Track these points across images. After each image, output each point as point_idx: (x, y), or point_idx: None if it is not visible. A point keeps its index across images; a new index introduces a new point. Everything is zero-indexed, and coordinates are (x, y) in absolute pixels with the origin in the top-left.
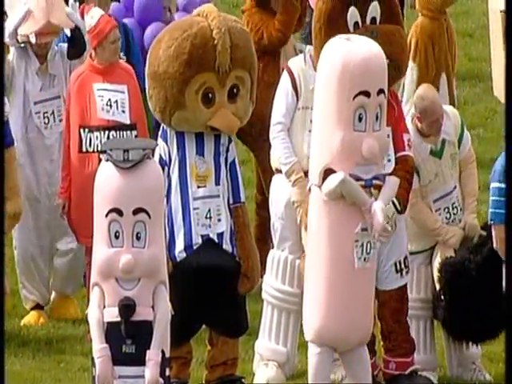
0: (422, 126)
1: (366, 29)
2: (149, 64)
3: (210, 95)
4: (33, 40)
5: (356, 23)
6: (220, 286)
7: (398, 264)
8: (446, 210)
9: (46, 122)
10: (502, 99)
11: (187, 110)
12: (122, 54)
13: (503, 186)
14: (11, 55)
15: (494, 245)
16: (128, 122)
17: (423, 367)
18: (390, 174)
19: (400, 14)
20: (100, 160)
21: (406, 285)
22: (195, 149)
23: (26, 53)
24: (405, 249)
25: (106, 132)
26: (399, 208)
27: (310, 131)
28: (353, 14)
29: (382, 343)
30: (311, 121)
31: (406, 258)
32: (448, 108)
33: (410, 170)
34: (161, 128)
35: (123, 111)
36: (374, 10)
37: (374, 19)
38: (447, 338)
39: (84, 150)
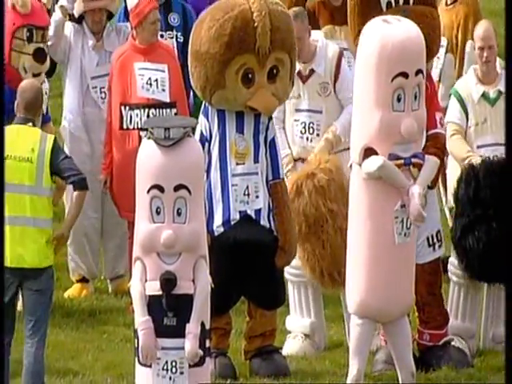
0: (480, 64)
1: (398, 9)
2: (191, 43)
3: (250, 76)
4: None
5: (389, 3)
6: (257, 259)
7: (430, 238)
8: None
9: (103, 96)
10: None
11: (227, 90)
12: (179, 33)
13: None
14: (68, 31)
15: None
16: (168, 100)
17: (460, 334)
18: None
19: None
20: (140, 137)
21: (439, 258)
22: (235, 126)
23: (83, 30)
24: (437, 223)
25: (146, 110)
26: (429, 184)
27: (295, 120)
28: None
29: (416, 314)
30: (296, 110)
31: (438, 231)
32: None
33: (440, 147)
34: (203, 105)
35: (163, 90)
36: None
37: (406, 0)
38: (487, 308)
39: (125, 127)
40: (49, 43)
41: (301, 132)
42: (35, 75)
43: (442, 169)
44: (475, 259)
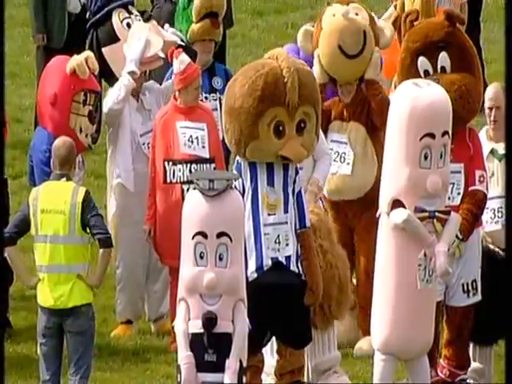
0: (489, 120)
1: (431, 78)
2: (225, 102)
3: (281, 128)
4: (162, 55)
5: (426, 71)
6: (287, 301)
7: (465, 285)
8: (492, 211)
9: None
10: None
11: (260, 141)
12: (222, 95)
13: None
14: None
15: None
16: (207, 156)
17: (473, 376)
18: (458, 206)
19: (474, 61)
20: (183, 190)
21: (472, 305)
22: (266, 180)
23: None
24: (475, 273)
25: (188, 165)
26: (460, 236)
27: None
28: (422, 63)
29: (443, 348)
30: None
31: (474, 281)
32: None
33: (476, 203)
34: (235, 161)
35: (203, 146)
36: (443, 59)
37: (443, 68)
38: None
39: (168, 181)
40: (115, 107)
41: None
42: (87, 135)
43: (477, 223)
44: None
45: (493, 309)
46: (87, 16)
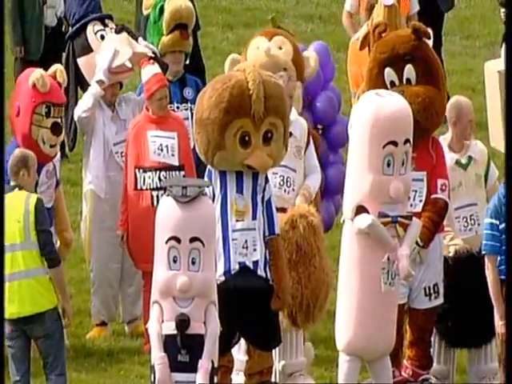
0: (453, 135)
1: (397, 89)
2: (195, 112)
3: (247, 138)
4: (129, 65)
5: (392, 82)
6: (255, 305)
7: (427, 289)
8: (465, 220)
9: (123, 160)
10: (500, 149)
11: (227, 151)
12: (193, 105)
13: (495, 221)
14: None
15: (486, 271)
16: (177, 163)
17: (435, 374)
18: (420, 213)
19: (439, 74)
20: (152, 197)
21: (434, 307)
22: (235, 187)
23: (100, 104)
24: (437, 276)
25: (158, 172)
26: (421, 243)
27: (274, 173)
28: (389, 74)
29: (405, 349)
30: None
31: (435, 284)
32: (480, 143)
33: (437, 211)
34: (207, 169)
35: (173, 154)
36: (409, 71)
37: (408, 80)
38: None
39: (139, 187)
40: (84, 115)
41: (279, 184)
42: (52, 146)
43: (437, 230)
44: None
45: (469, 312)
46: (64, 29)
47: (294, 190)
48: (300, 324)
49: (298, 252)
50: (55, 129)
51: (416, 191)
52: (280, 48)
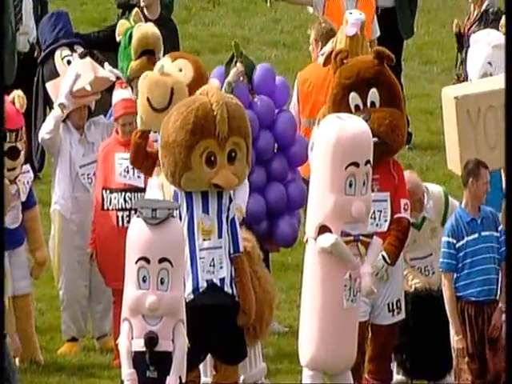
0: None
1: (362, 112)
2: (161, 136)
3: (212, 158)
4: (89, 88)
5: (357, 106)
6: (221, 321)
7: (390, 305)
8: (419, 270)
9: (90, 181)
10: (457, 172)
11: (193, 172)
12: None
13: (451, 240)
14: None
15: (442, 288)
16: (142, 185)
17: None
18: (385, 232)
19: (400, 96)
20: (117, 217)
21: (396, 323)
22: (201, 208)
23: (68, 127)
24: (399, 293)
25: (123, 193)
26: (388, 261)
27: None
28: (354, 98)
29: (366, 364)
30: None
31: (398, 300)
32: (434, 188)
33: (402, 230)
34: (173, 191)
35: (138, 176)
36: (373, 95)
37: (372, 103)
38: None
39: (105, 208)
40: (46, 137)
41: None
42: (10, 170)
43: (402, 248)
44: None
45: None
46: (36, 55)
47: None
48: (248, 343)
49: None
50: (12, 153)
51: (381, 211)
52: (180, 70)
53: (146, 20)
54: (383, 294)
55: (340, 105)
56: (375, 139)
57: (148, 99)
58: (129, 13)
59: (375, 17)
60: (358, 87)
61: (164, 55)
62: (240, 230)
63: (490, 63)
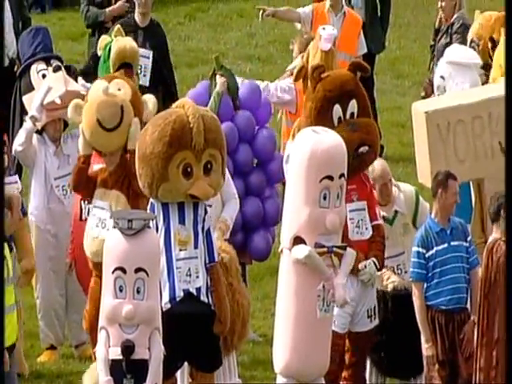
0: (377, 195)
1: (347, 122)
2: (138, 149)
3: (189, 169)
4: (58, 101)
5: (339, 118)
6: (197, 329)
7: (369, 311)
8: (392, 269)
9: (65, 193)
10: (428, 185)
11: (170, 183)
12: None
13: (421, 250)
14: (34, 140)
15: (413, 297)
16: None
17: None
18: (368, 240)
19: (370, 107)
20: None
21: (373, 329)
22: (178, 218)
23: (44, 139)
24: (374, 299)
25: None
26: (378, 267)
27: None
28: (337, 110)
29: (344, 372)
30: None
31: (375, 306)
32: (405, 186)
33: (382, 236)
34: (149, 203)
35: None
36: (353, 106)
37: (352, 114)
38: None
39: (84, 218)
40: (19, 149)
41: None
42: None
43: (383, 254)
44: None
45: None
46: (15, 69)
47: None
48: (223, 353)
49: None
50: None
51: (362, 220)
52: (119, 89)
53: (137, 28)
54: (363, 301)
55: (324, 118)
56: (366, 148)
57: (98, 120)
58: (99, 30)
59: (361, 33)
60: (340, 99)
61: (153, 60)
62: (216, 241)
63: (442, 77)
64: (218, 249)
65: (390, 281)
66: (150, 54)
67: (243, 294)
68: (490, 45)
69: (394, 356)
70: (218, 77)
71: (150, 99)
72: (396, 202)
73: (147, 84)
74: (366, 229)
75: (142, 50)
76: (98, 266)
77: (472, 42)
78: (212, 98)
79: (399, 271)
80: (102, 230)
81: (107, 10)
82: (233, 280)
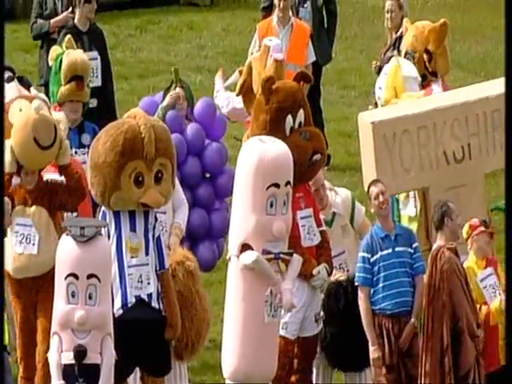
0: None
1: (299, 132)
2: (90, 158)
3: (140, 178)
4: None
5: (291, 128)
6: (149, 335)
7: (316, 315)
8: (334, 269)
9: None
10: None
11: (122, 191)
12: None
13: (366, 255)
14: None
15: (359, 301)
16: None
17: None
18: (317, 245)
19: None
20: None
21: (317, 334)
22: (129, 226)
23: None
24: (320, 303)
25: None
26: (329, 272)
27: None
28: (289, 120)
29: (292, 377)
30: None
31: (319, 312)
32: (341, 190)
33: (328, 241)
34: (101, 211)
35: None
36: (301, 116)
37: (300, 123)
38: None
39: None
40: None
41: None
42: None
43: (331, 260)
44: (341, 361)
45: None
46: None
47: (166, 231)
48: (185, 358)
49: (179, 298)
50: None
51: (311, 227)
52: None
53: (79, 32)
54: (311, 306)
55: (277, 128)
56: (318, 156)
57: (35, 139)
58: (47, 42)
59: (310, 42)
60: (292, 109)
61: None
62: (166, 248)
63: (380, 88)
64: (183, 257)
65: (337, 276)
66: (97, 54)
67: (207, 300)
68: (425, 57)
69: (346, 348)
70: (177, 89)
71: (60, 119)
72: (333, 205)
73: (100, 84)
74: (315, 235)
75: (89, 53)
76: (20, 283)
77: (407, 53)
78: (158, 111)
79: (341, 270)
80: (28, 245)
81: (52, 20)
82: (199, 287)
